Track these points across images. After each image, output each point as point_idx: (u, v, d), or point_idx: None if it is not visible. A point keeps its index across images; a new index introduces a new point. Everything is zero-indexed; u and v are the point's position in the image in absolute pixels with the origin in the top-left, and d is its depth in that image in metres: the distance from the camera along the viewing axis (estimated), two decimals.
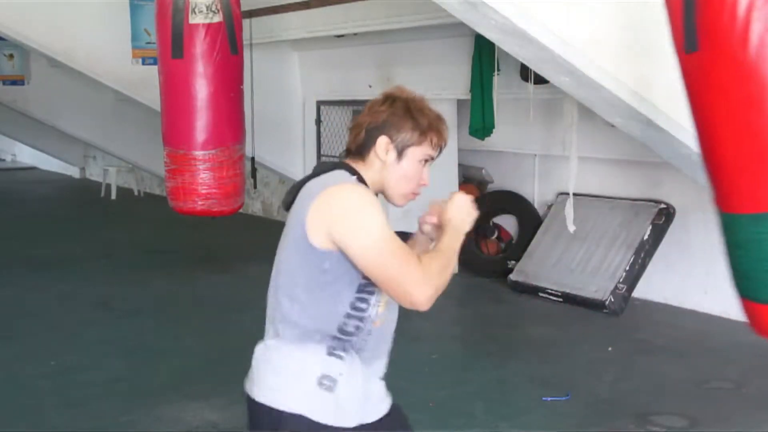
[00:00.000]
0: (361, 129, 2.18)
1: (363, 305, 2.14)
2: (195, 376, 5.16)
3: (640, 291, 6.67)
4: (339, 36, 7.54)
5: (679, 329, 6.13)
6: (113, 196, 13.76)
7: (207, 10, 5.19)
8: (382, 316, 2.19)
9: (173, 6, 5.20)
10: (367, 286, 2.12)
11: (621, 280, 6.51)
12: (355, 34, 7.38)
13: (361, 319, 2.15)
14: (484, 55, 6.66)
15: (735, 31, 2.13)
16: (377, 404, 2.26)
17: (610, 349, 5.67)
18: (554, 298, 6.82)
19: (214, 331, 6.14)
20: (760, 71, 2.13)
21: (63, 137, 13.87)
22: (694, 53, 2.24)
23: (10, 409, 4.65)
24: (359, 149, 2.18)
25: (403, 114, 2.15)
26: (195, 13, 5.18)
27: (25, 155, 19.33)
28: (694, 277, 6.52)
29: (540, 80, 5.85)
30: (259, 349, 2.25)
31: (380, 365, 2.27)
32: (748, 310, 2.45)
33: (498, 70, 6.66)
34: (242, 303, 6.93)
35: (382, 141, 2.15)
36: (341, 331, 2.13)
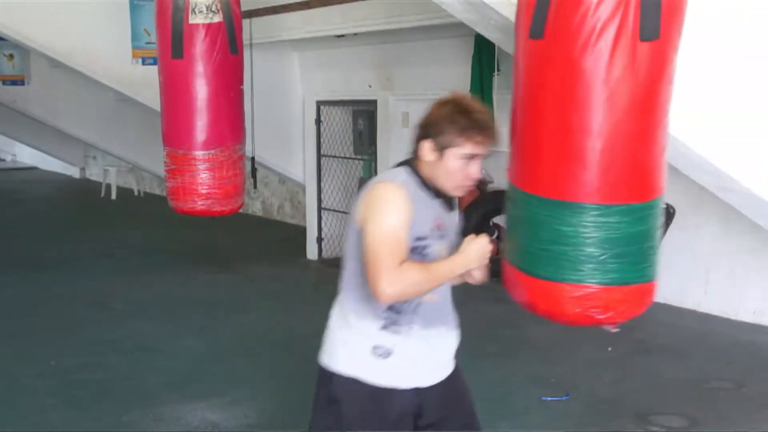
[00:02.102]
0: (416, 131, 2.42)
1: None
2: (195, 376, 5.16)
3: None
4: (339, 36, 7.54)
5: (679, 329, 6.13)
6: (113, 196, 13.77)
7: (207, 10, 5.19)
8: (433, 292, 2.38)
9: (173, 6, 5.19)
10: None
11: None
12: (355, 34, 7.38)
13: None
14: (484, 55, 6.65)
15: (580, 34, 2.26)
16: (434, 370, 2.48)
17: (610, 349, 5.67)
18: None
19: (214, 331, 6.14)
20: (590, 78, 2.28)
21: (63, 137, 13.89)
22: (539, 40, 2.36)
23: (10, 409, 4.65)
24: (415, 150, 2.42)
25: (445, 118, 2.34)
26: (195, 13, 5.18)
27: (25, 155, 19.34)
28: (694, 277, 6.52)
29: None
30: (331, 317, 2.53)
31: (442, 333, 2.47)
32: (513, 277, 2.55)
33: (498, 70, 6.66)
34: (242, 303, 6.93)
35: (425, 145, 2.37)
36: (390, 307, 2.37)
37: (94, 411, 4.62)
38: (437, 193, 2.41)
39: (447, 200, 2.45)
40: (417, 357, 2.42)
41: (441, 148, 2.33)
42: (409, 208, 2.31)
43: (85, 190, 15.23)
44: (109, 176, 14.03)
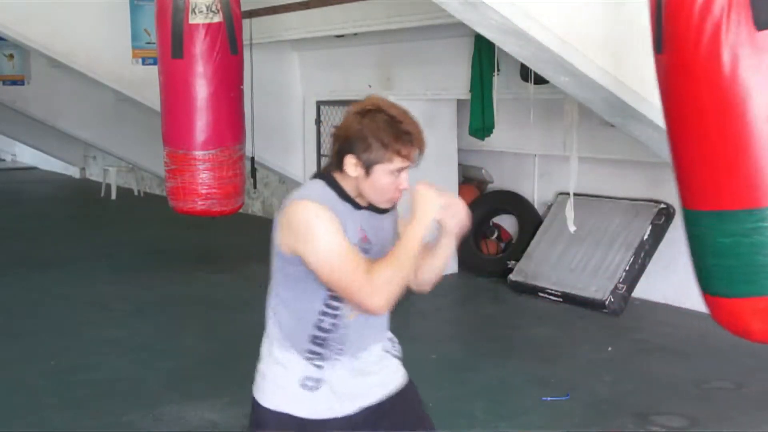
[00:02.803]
0: (335, 142, 2.23)
1: (336, 303, 2.23)
2: (195, 376, 5.16)
3: (640, 291, 6.67)
4: (339, 36, 7.54)
5: (679, 329, 6.13)
6: (113, 196, 13.76)
7: (207, 10, 5.19)
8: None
9: (173, 6, 5.20)
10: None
11: (621, 280, 6.51)
12: (355, 34, 7.38)
13: (335, 316, 2.25)
14: (484, 55, 6.65)
15: (689, 38, 2.20)
16: (374, 387, 2.35)
17: (610, 349, 5.67)
18: (554, 298, 6.82)
19: (214, 331, 6.14)
20: (709, 78, 2.19)
21: (63, 137, 13.87)
22: (661, 55, 2.35)
23: (10, 409, 4.65)
24: (336, 162, 2.22)
25: (369, 132, 2.15)
26: (195, 13, 5.19)
27: (25, 155, 19.32)
28: (694, 277, 6.51)
29: (540, 80, 5.84)
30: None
31: (375, 353, 2.36)
32: (703, 299, 2.51)
33: (498, 70, 6.65)
34: (242, 303, 6.93)
35: (350, 161, 2.18)
36: (319, 328, 2.24)
37: (94, 411, 4.61)
38: (360, 203, 2.25)
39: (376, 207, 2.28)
40: (349, 385, 2.30)
41: (367, 165, 2.16)
42: (333, 216, 2.14)
43: (85, 190, 15.22)
44: (109, 176, 14.02)
